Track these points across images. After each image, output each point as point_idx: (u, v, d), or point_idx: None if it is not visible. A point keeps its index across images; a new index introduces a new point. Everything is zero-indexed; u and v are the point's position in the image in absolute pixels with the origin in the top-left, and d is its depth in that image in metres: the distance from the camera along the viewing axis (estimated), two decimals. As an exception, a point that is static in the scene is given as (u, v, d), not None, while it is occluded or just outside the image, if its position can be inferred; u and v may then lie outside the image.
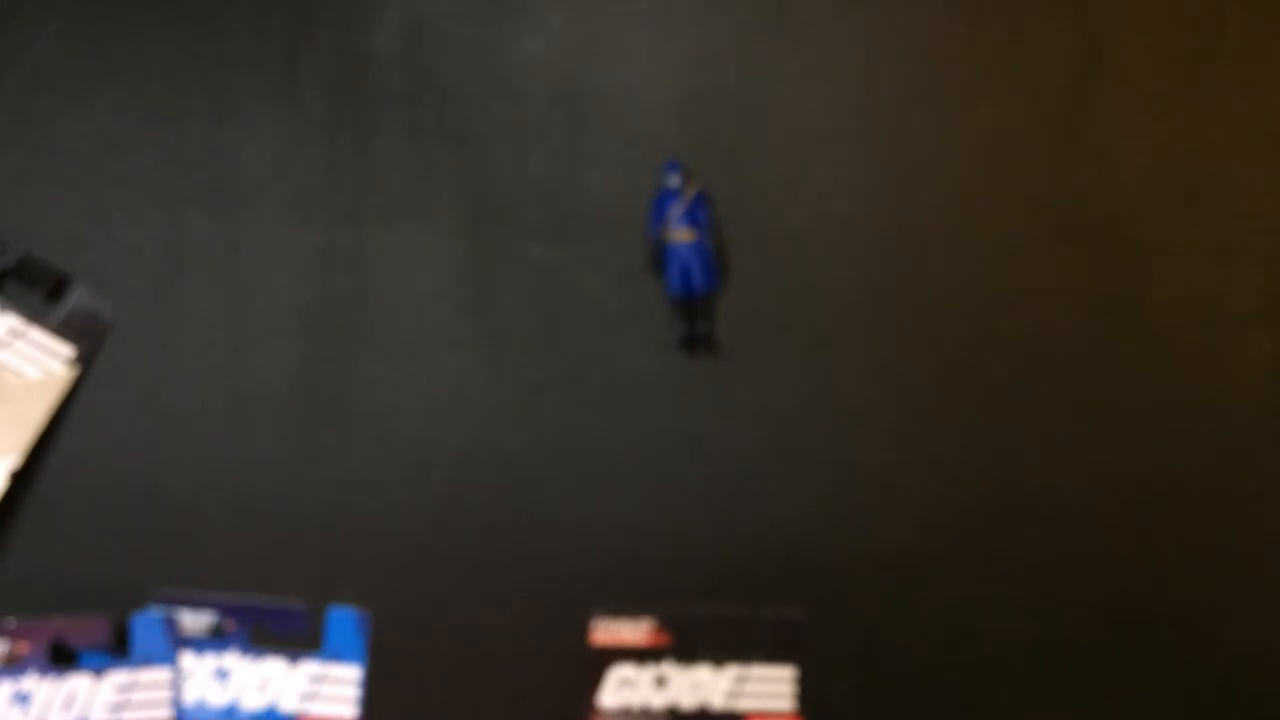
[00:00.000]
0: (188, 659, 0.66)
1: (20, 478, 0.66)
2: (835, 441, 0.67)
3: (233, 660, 0.67)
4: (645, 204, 0.66)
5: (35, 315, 0.67)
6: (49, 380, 0.67)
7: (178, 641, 0.66)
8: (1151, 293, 0.66)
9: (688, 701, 0.67)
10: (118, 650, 0.66)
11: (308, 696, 0.67)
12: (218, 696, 0.67)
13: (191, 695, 0.66)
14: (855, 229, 0.67)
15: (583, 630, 0.67)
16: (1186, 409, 0.66)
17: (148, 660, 0.66)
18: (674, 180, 0.65)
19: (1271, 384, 0.66)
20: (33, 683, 0.65)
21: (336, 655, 0.67)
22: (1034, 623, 0.67)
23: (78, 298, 0.67)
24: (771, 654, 0.67)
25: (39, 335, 0.67)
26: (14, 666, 0.65)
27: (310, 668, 0.67)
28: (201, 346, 0.67)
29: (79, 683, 0.65)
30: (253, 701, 0.66)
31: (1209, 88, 0.66)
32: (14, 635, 0.65)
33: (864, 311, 0.67)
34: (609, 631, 0.67)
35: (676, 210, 0.65)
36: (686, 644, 0.67)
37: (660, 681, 0.67)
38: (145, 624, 0.66)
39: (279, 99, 0.67)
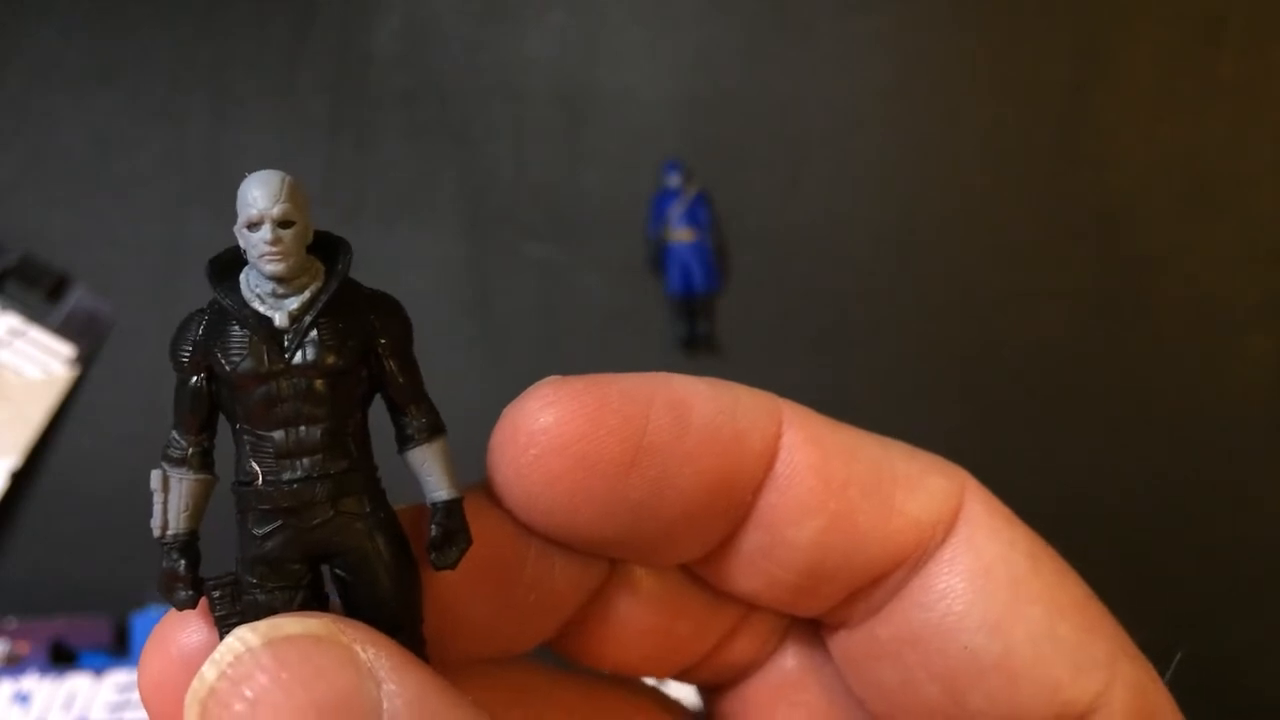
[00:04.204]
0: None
1: (20, 478, 0.66)
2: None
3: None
4: (645, 204, 0.66)
5: (35, 315, 0.67)
6: (49, 380, 0.67)
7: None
8: (1152, 293, 0.66)
9: (689, 701, 0.67)
10: (118, 650, 0.66)
11: (308, 696, 0.66)
12: (218, 696, 0.66)
13: (191, 695, 0.66)
14: (855, 229, 0.67)
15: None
16: (1187, 408, 0.66)
17: (148, 660, 0.66)
18: (674, 180, 0.65)
19: (1271, 384, 0.66)
20: (33, 683, 0.65)
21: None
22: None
23: (78, 298, 0.67)
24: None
25: (39, 335, 0.67)
26: (14, 666, 0.65)
27: (310, 668, 0.67)
28: (201, 346, 0.67)
29: (79, 683, 0.65)
30: (253, 701, 0.66)
31: (1209, 88, 0.66)
32: (14, 635, 0.65)
33: (864, 311, 0.67)
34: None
35: (676, 210, 0.65)
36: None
37: (661, 680, 0.67)
38: (145, 624, 0.66)
39: (279, 99, 0.67)
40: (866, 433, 0.21)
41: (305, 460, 0.18)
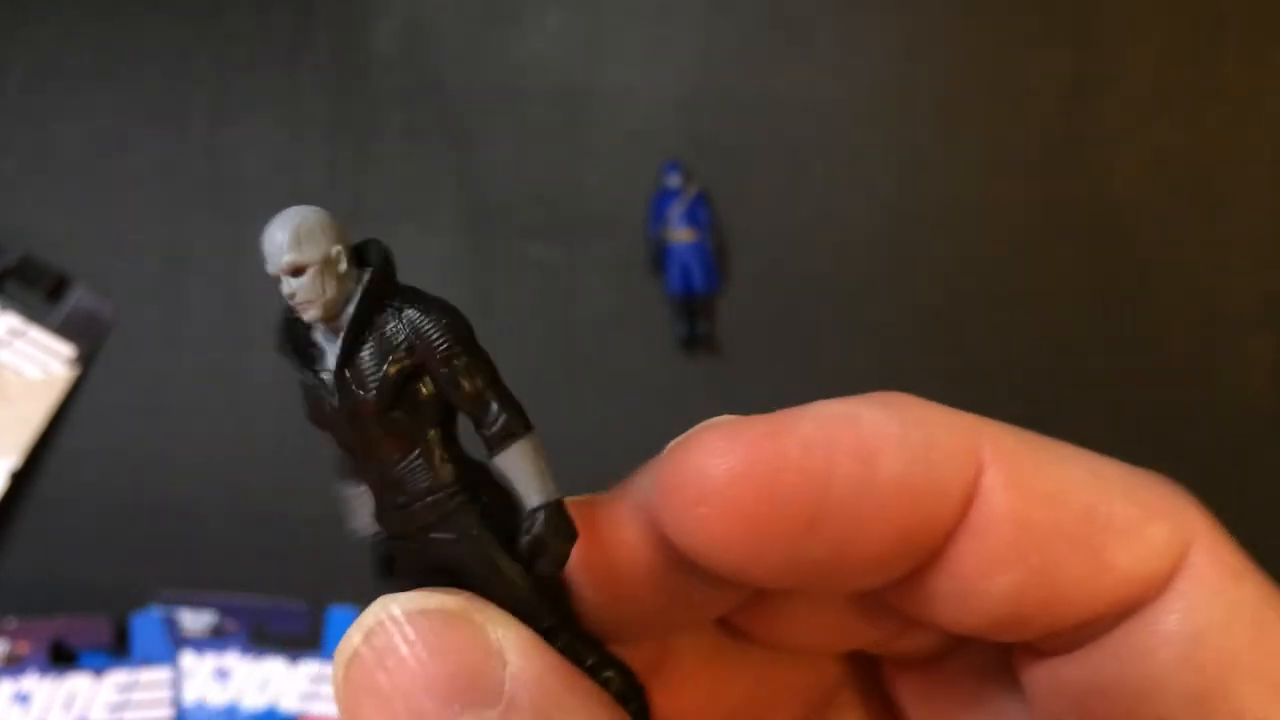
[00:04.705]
0: (188, 659, 0.66)
1: (20, 478, 0.66)
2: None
3: (233, 660, 0.67)
4: (645, 204, 0.66)
5: (35, 315, 0.67)
6: (49, 380, 0.67)
7: (178, 641, 0.66)
8: (1152, 293, 0.66)
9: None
10: (118, 650, 0.66)
11: (308, 696, 0.67)
12: (218, 696, 0.67)
13: (191, 695, 0.66)
14: (855, 229, 0.67)
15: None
16: (1187, 409, 0.66)
17: (148, 660, 0.66)
18: (674, 180, 0.66)
19: (1271, 384, 0.66)
20: (33, 683, 0.65)
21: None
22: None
23: (78, 298, 0.67)
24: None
25: (39, 335, 0.67)
26: (14, 666, 0.65)
27: (310, 668, 0.67)
28: (201, 346, 0.67)
29: (79, 683, 0.65)
30: (253, 701, 0.66)
31: (1209, 88, 0.66)
32: (14, 635, 0.65)
33: (864, 311, 0.67)
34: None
35: (676, 210, 0.65)
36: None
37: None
38: (145, 624, 0.66)
39: (279, 99, 0.67)
40: (1081, 458, 0.18)
41: (392, 494, 0.18)
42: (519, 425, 0.18)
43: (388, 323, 0.17)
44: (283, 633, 0.67)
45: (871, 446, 0.17)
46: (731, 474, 0.17)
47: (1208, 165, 0.66)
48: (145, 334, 0.67)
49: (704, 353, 0.67)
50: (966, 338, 0.66)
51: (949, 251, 0.66)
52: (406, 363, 0.17)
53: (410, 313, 0.17)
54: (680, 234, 0.66)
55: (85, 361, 0.67)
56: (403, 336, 0.17)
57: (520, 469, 0.17)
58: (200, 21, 0.67)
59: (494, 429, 0.17)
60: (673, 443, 0.18)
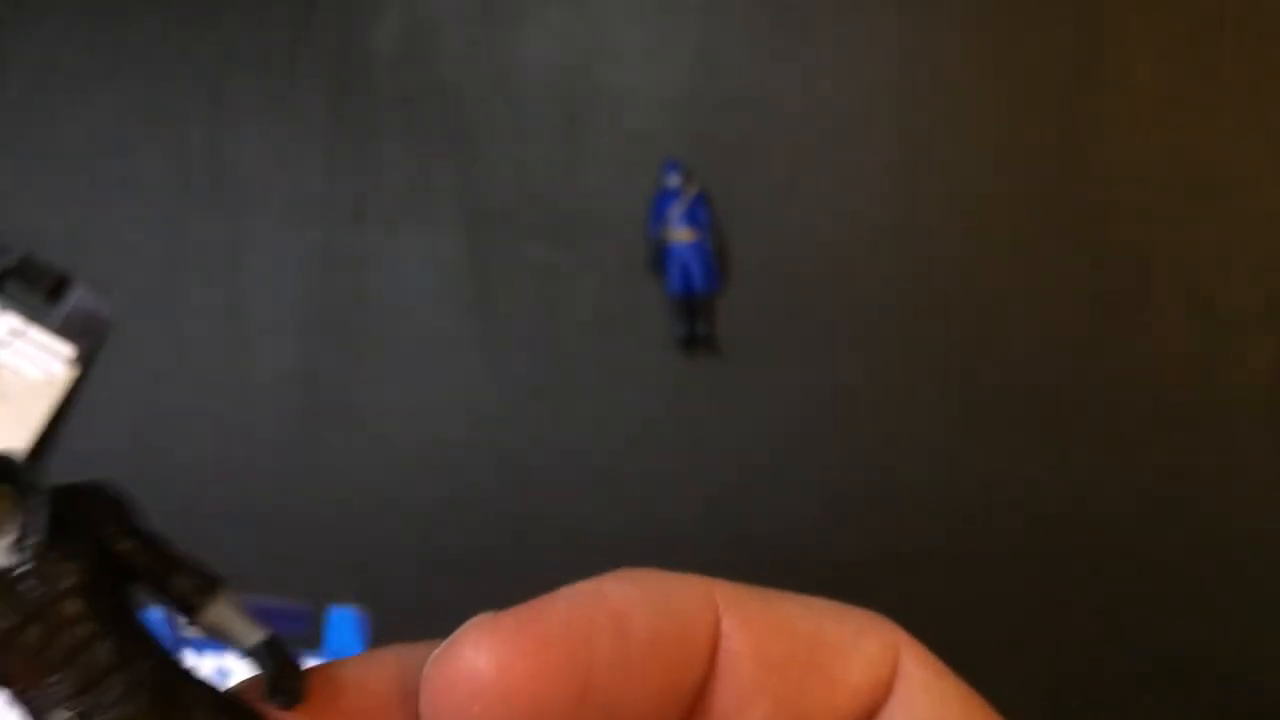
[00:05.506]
0: (188, 659, 0.66)
1: (20, 478, 0.66)
2: (835, 441, 0.67)
3: (233, 660, 0.67)
4: (645, 204, 0.66)
5: (35, 315, 0.67)
6: (49, 380, 0.67)
7: (178, 641, 0.66)
8: (1152, 292, 0.66)
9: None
10: (118, 650, 0.66)
11: (308, 696, 0.66)
12: (218, 696, 0.66)
13: (191, 695, 0.66)
14: (855, 229, 0.67)
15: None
16: (1186, 408, 0.66)
17: (148, 660, 0.66)
18: (674, 180, 0.65)
19: (1271, 384, 0.66)
20: (33, 683, 0.65)
21: (336, 655, 0.67)
22: (1034, 620, 0.67)
23: (78, 298, 0.67)
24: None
25: (39, 335, 0.67)
26: (14, 666, 0.65)
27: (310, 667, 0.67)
28: (201, 346, 0.67)
29: (79, 683, 0.65)
30: (253, 701, 0.66)
31: (1209, 88, 0.66)
32: (14, 635, 0.65)
33: (864, 311, 0.67)
34: (609, 631, 0.67)
35: (676, 210, 0.65)
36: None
37: None
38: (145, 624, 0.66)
39: (279, 99, 0.67)
40: (794, 598, 0.22)
41: (109, 681, 0.18)
42: (216, 575, 0.18)
43: (66, 511, 0.18)
44: (283, 633, 0.67)
45: (621, 610, 0.18)
46: (500, 664, 0.19)
47: (1208, 165, 0.66)
48: (145, 334, 0.67)
49: (704, 352, 0.67)
50: (966, 337, 0.66)
51: (948, 251, 0.66)
52: (97, 541, 0.18)
53: (80, 496, 0.18)
54: (680, 234, 0.66)
55: (85, 361, 0.67)
56: (84, 516, 0.18)
57: (232, 614, 0.18)
58: (200, 21, 0.67)
59: (194, 584, 0.18)
60: (435, 651, 0.19)
